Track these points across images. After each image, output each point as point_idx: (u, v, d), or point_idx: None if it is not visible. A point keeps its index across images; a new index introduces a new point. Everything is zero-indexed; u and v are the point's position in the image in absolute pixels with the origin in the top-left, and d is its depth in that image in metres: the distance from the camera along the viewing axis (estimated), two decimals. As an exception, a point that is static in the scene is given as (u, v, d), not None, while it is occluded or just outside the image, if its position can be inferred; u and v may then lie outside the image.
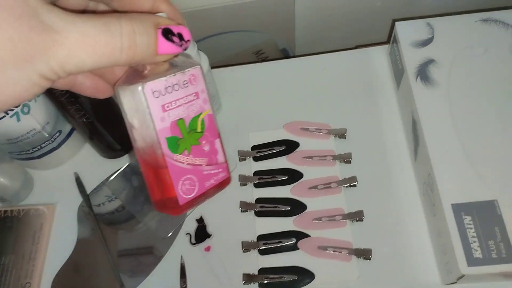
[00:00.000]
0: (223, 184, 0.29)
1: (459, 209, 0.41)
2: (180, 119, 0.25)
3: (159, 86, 0.24)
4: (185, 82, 0.25)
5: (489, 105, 0.46)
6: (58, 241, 0.51)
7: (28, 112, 0.47)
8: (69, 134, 0.54)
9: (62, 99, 0.45)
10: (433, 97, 0.47)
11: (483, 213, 0.41)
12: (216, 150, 0.28)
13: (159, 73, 0.24)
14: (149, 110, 0.23)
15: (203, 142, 0.26)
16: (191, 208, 0.28)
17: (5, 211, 0.52)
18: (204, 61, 0.50)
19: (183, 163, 0.25)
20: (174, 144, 0.25)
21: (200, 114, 0.26)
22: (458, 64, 0.49)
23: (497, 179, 0.42)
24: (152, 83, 0.23)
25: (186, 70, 0.25)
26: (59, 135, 0.52)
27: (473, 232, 0.40)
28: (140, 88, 0.23)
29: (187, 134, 0.25)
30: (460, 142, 0.44)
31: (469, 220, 0.40)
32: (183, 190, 0.26)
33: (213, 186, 0.28)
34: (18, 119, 0.46)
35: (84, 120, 0.49)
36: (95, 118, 0.49)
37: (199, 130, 0.26)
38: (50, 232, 0.52)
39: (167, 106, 0.24)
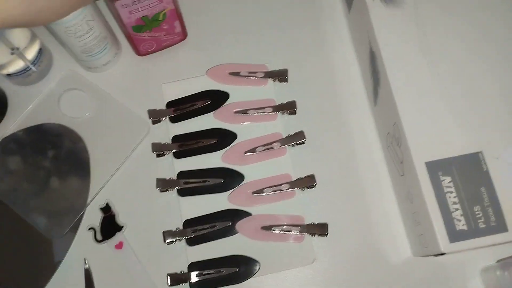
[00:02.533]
0: (179, 41, 0.43)
1: (436, 168, 0.32)
2: (144, 16, 0.37)
3: (127, 1, 0.35)
4: None
5: (467, 28, 0.35)
6: None
7: None
8: None
9: None
10: (396, 20, 0.36)
11: (466, 170, 0.32)
12: (174, 26, 0.40)
13: None
14: (120, 14, 0.36)
15: (164, 24, 0.39)
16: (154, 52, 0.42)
17: None
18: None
19: (144, 36, 0.40)
20: (138, 28, 0.39)
21: (163, 10, 0.38)
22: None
23: (480, 125, 0.33)
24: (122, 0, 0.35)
25: None
26: None
27: (454, 197, 0.31)
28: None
29: (149, 22, 0.38)
30: (432, 80, 0.34)
31: (449, 182, 0.32)
32: (144, 48, 0.42)
33: (169, 44, 0.42)
34: None
35: None
36: None
37: (160, 18, 0.38)
38: None
39: (132, 11, 0.36)
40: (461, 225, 0.31)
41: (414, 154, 0.32)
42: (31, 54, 0.40)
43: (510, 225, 0.30)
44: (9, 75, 0.40)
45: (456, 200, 0.31)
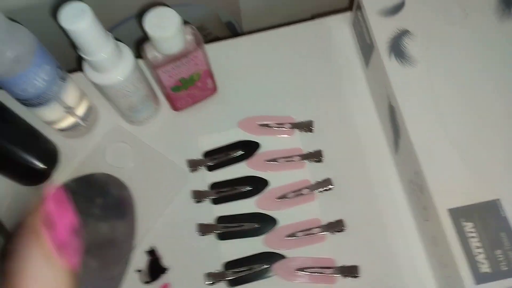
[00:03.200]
0: (210, 95, 0.47)
1: (458, 215, 0.35)
2: (182, 77, 0.42)
3: (168, 68, 0.40)
4: (186, 61, 0.40)
5: (477, 81, 0.39)
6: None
7: None
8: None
9: None
10: (411, 77, 0.40)
11: (485, 217, 0.35)
12: (207, 83, 0.45)
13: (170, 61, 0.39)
14: (161, 78, 0.41)
15: (198, 83, 0.44)
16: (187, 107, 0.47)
17: None
18: (127, 58, 0.39)
19: (180, 94, 0.44)
20: (176, 88, 0.43)
21: (198, 72, 0.42)
22: (436, 33, 0.41)
23: (496, 173, 0.36)
24: (163, 67, 0.39)
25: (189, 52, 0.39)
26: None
27: (477, 242, 0.34)
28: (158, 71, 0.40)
29: (186, 83, 0.43)
30: (448, 131, 0.37)
31: (471, 228, 0.34)
32: (180, 104, 0.46)
33: (202, 99, 0.47)
34: None
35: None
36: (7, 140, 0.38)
37: (195, 79, 0.43)
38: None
39: (172, 75, 0.41)
40: (484, 267, 0.33)
41: (437, 201, 0.35)
42: (81, 111, 0.44)
43: (530, 268, 0.33)
44: (61, 129, 0.45)
45: (479, 244, 0.34)
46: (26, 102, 0.39)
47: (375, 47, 0.42)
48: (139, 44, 0.40)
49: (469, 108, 0.38)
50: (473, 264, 0.33)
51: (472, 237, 0.34)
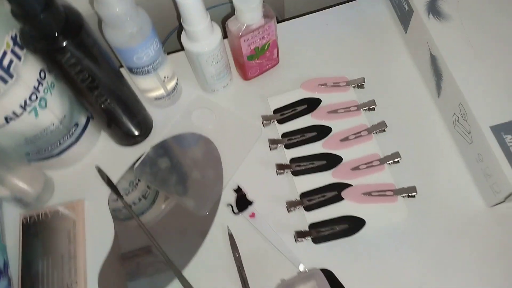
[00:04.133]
0: (275, 65, 0.57)
1: (499, 130, 0.42)
2: (256, 46, 0.51)
3: (248, 37, 0.49)
4: (262, 31, 0.49)
5: (504, 27, 0.47)
6: (95, 236, 0.49)
7: (46, 106, 0.44)
8: (85, 126, 0.51)
9: (82, 86, 0.43)
10: (449, 30, 0.48)
11: (522, 129, 0.42)
12: (273, 53, 0.54)
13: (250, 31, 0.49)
14: (241, 46, 0.50)
15: (267, 52, 0.53)
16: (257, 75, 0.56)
17: (30, 217, 0.50)
18: (217, 32, 0.49)
19: (253, 63, 0.53)
20: (251, 57, 0.52)
21: (268, 41, 0.52)
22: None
23: (527, 96, 0.43)
24: (245, 36, 0.49)
25: (264, 24, 0.49)
26: (76, 128, 0.50)
27: (516, 148, 0.41)
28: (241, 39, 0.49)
29: (258, 52, 0.52)
30: (484, 68, 0.45)
31: (510, 139, 0.42)
32: (251, 73, 0.55)
33: (268, 69, 0.56)
34: (36, 115, 0.44)
35: (103, 106, 0.47)
36: (116, 103, 0.47)
37: (266, 48, 0.52)
38: (84, 229, 0.50)
39: (250, 44, 0.50)
40: (525, 167, 0.40)
41: (480, 122, 0.43)
42: (172, 84, 0.54)
43: None
44: (155, 98, 0.54)
45: (517, 150, 0.41)
46: (137, 70, 0.48)
47: (415, 11, 0.51)
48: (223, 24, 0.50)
49: (498, 48, 0.46)
50: (515, 165, 0.40)
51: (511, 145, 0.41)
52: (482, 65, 0.46)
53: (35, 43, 0.39)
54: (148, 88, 0.53)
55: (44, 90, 0.43)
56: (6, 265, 0.47)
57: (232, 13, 0.49)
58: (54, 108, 0.45)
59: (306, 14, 0.60)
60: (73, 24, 0.39)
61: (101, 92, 0.45)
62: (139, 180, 0.52)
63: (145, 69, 0.48)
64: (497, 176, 0.42)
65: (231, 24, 0.49)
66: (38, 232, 0.49)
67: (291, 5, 0.68)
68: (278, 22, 0.61)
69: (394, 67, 0.55)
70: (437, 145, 0.50)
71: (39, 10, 0.36)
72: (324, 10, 0.60)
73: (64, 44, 0.38)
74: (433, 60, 0.49)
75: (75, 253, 0.48)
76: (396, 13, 0.57)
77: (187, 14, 0.45)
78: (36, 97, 0.43)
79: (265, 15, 0.49)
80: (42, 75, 0.43)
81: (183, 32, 0.49)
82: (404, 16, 0.54)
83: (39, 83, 0.43)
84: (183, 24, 0.47)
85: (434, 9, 0.50)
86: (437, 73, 0.49)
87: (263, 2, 0.48)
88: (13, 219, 0.50)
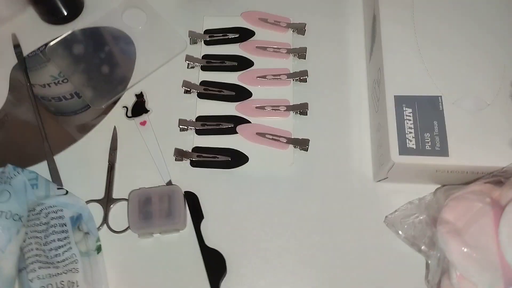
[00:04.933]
0: None
1: (401, 101, 0.40)
2: None
3: None
4: None
5: (454, 8, 0.44)
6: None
7: None
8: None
9: None
10: (397, -6, 0.45)
11: (425, 107, 0.39)
12: None
13: None
14: None
15: None
16: None
17: None
18: None
19: None
20: None
21: None
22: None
23: (444, 77, 0.41)
24: None
25: None
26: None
27: (411, 124, 0.39)
28: None
29: None
30: (415, 39, 0.42)
31: (409, 112, 0.39)
32: None
33: None
34: None
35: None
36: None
37: None
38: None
39: None
40: (411, 144, 0.38)
41: (388, 90, 0.40)
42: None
43: (451, 153, 0.37)
44: (91, -16, 0.52)
45: (411, 126, 0.39)
46: None
47: (374, -33, 0.47)
48: None
49: (436, 26, 0.43)
50: (402, 140, 0.38)
51: (408, 119, 0.39)
52: (415, 36, 0.42)
53: None
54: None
55: None
56: None
57: None
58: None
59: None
60: None
61: None
62: (62, 80, 0.49)
63: None
64: (385, 147, 0.39)
65: None
66: None
67: None
68: None
69: (342, 22, 0.52)
70: (352, 109, 0.47)
71: None
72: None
73: None
74: (374, 20, 0.46)
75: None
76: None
77: None
78: None
79: None
80: None
81: None
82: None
83: None
84: None
85: (392, -32, 0.46)
86: (373, 35, 0.46)
87: None
88: None
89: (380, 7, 0.44)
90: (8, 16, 0.52)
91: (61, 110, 0.48)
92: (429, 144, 0.38)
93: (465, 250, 0.31)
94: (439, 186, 0.42)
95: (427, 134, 0.38)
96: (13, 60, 0.50)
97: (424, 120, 0.39)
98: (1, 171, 0.40)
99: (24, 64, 0.50)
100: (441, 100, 0.40)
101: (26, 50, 0.51)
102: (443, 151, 0.38)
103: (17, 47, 0.50)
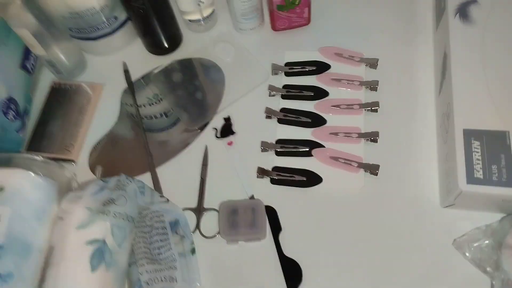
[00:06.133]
0: (304, 25, 0.60)
1: (470, 134, 0.43)
2: None
3: None
4: None
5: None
6: (101, 116, 0.57)
7: (91, -10, 0.52)
8: (123, 23, 0.59)
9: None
10: (468, 33, 0.48)
11: (493, 141, 0.42)
12: (304, 12, 0.58)
13: None
14: None
15: (297, 8, 0.57)
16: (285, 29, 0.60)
17: (60, 84, 0.59)
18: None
19: (282, 14, 0.57)
20: (280, 7, 0.56)
21: None
22: (499, 6, 0.50)
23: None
24: None
25: None
26: (114, 21, 0.57)
27: (479, 156, 0.42)
28: None
29: (288, 4, 0.56)
30: (484, 76, 0.46)
31: (477, 145, 0.43)
32: (279, 24, 0.59)
33: (297, 26, 0.60)
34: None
35: (140, 11, 0.53)
36: (151, 9, 0.54)
37: (296, 3, 0.56)
38: (95, 107, 0.58)
39: None
40: (478, 174, 0.41)
41: (457, 123, 0.44)
42: (208, 11, 0.60)
43: (517, 185, 0.40)
44: (190, 20, 0.60)
45: (479, 157, 0.42)
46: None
47: (446, 9, 0.51)
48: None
49: (505, 63, 0.46)
50: (470, 170, 0.42)
51: (476, 151, 0.42)
52: (483, 73, 0.46)
53: None
54: (186, 9, 0.59)
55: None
56: (26, 112, 0.56)
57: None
58: (98, -4, 0.53)
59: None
60: None
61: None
62: (163, 96, 0.58)
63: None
64: (453, 176, 0.43)
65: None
66: (60, 98, 0.58)
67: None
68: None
69: (414, 57, 0.56)
70: (420, 138, 0.51)
71: None
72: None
73: None
74: (444, 57, 0.50)
75: (81, 123, 0.56)
76: (435, 8, 0.58)
77: None
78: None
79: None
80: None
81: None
82: (440, 12, 0.55)
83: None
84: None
85: (463, 11, 0.50)
86: (443, 71, 0.50)
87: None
88: (46, 83, 0.60)
89: (451, 45, 0.48)
90: (120, 46, 0.62)
91: (151, 127, 0.56)
92: (496, 175, 0.41)
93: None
94: (505, 215, 0.44)
95: (494, 166, 0.41)
96: (123, 84, 0.59)
97: (491, 153, 0.42)
98: (117, 180, 0.48)
99: (133, 88, 0.59)
100: (508, 135, 0.43)
101: (134, 76, 0.60)
102: (510, 183, 0.41)
103: (126, 72, 0.60)
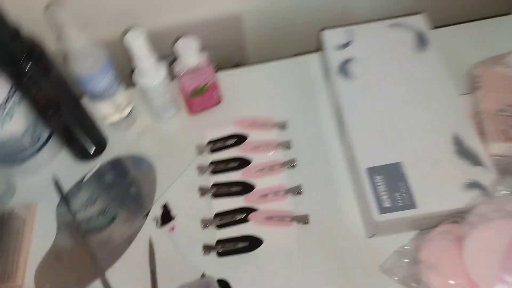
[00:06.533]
0: (216, 104, 0.67)
1: (372, 171, 0.51)
2: (197, 85, 0.61)
3: (188, 77, 0.60)
4: (200, 74, 0.60)
5: (397, 90, 0.56)
6: (40, 234, 0.58)
7: (11, 120, 0.55)
8: (46, 141, 0.61)
9: (41, 104, 0.54)
10: (352, 87, 0.58)
11: (391, 172, 0.50)
12: (213, 95, 0.65)
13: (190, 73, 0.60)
14: (184, 84, 0.61)
15: (208, 92, 0.63)
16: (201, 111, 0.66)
17: (-10, 214, 0.59)
18: (162, 70, 0.60)
19: (195, 100, 0.64)
20: (193, 94, 0.62)
21: (207, 83, 0.62)
22: (373, 60, 0.60)
23: (402, 147, 0.52)
24: (186, 77, 0.60)
25: (202, 68, 0.60)
26: (37, 141, 0.60)
27: (383, 188, 0.49)
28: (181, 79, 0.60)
29: (199, 91, 0.62)
30: (374, 120, 0.54)
31: (380, 179, 0.50)
32: (194, 108, 0.65)
33: (210, 107, 0.66)
34: (1, 126, 0.54)
35: (61, 124, 0.57)
36: (72, 122, 0.58)
37: (205, 89, 0.63)
38: (31, 228, 0.59)
39: (190, 83, 0.61)
40: (386, 204, 0.48)
41: (359, 163, 0.52)
42: (127, 110, 0.65)
43: (418, 205, 0.48)
44: (110, 124, 0.65)
45: (384, 189, 0.49)
46: (95, 95, 0.59)
47: (329, 70, 0.61)
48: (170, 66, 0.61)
49: (388, 106, 0.55)
50: (379, 202, 0.48)
51: (380, 185, 0.49)
52: (372, 118, 0.55)
53: (4, 66, 0.50)
54: (105, 113, 0.63)
55: (11, 106, 0.54)
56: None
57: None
58: (19, 122, 0.56)
59: (263, 62, 0.71)
60: (35, 52, 0.50)
61: (59, 112, 0.55)
62: (97, 196, 0.60)
63: (101, 95, 0.59)
64: (368, 210, 0.49)
65: (176, 66, 0.60)
66: (-8, 228, 0.58)
67: (253, 53, 0.79)
68: (237, 66, 0.72)
69: (316, 111, 0.64)
70: (336, 182, 0.58)
71: (8, 40, 0.47)
72: (274, 62, 0.70)
73: (27, 68, 0.49)
74: (338, 110, 0.59)
75: (20, 249, 0.56)
76: (323, 70, 0.67)
77: (135, 53, 0.56)
78: (4, 111, 0.53)
79: (204, 62, 0.59)
80: (11, 92, 0.54)
81: (135, 70, 0.60)
82: (326, 72, 0.64)
83: (7, 99, 0.53)
84: (134, 63, 0.58)
85: (343, 69, 0.60)
86: (340, 121, 0.58)
87: (206, 51, 0.59)
88: (-24, 213, 0.60)
89: (340, 100, 0.57)
90: (48, 160, 0.64)
91: (91, 229, 0.58)
92: (401, 200, 0.48)
93: (441, 279, 0.40)
94: (418, 231, 0.51)
95: (397, 193, 0.49)
96: (56, 196, 0.61)
97: (392, 183, 0.49)
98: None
99: (66, 197, 0.61)
100: (402, 165, 0.51)
101: (66, 185, 0.62)
102: (412, 205, 0.48)
103: (57, 184, 0.62)
